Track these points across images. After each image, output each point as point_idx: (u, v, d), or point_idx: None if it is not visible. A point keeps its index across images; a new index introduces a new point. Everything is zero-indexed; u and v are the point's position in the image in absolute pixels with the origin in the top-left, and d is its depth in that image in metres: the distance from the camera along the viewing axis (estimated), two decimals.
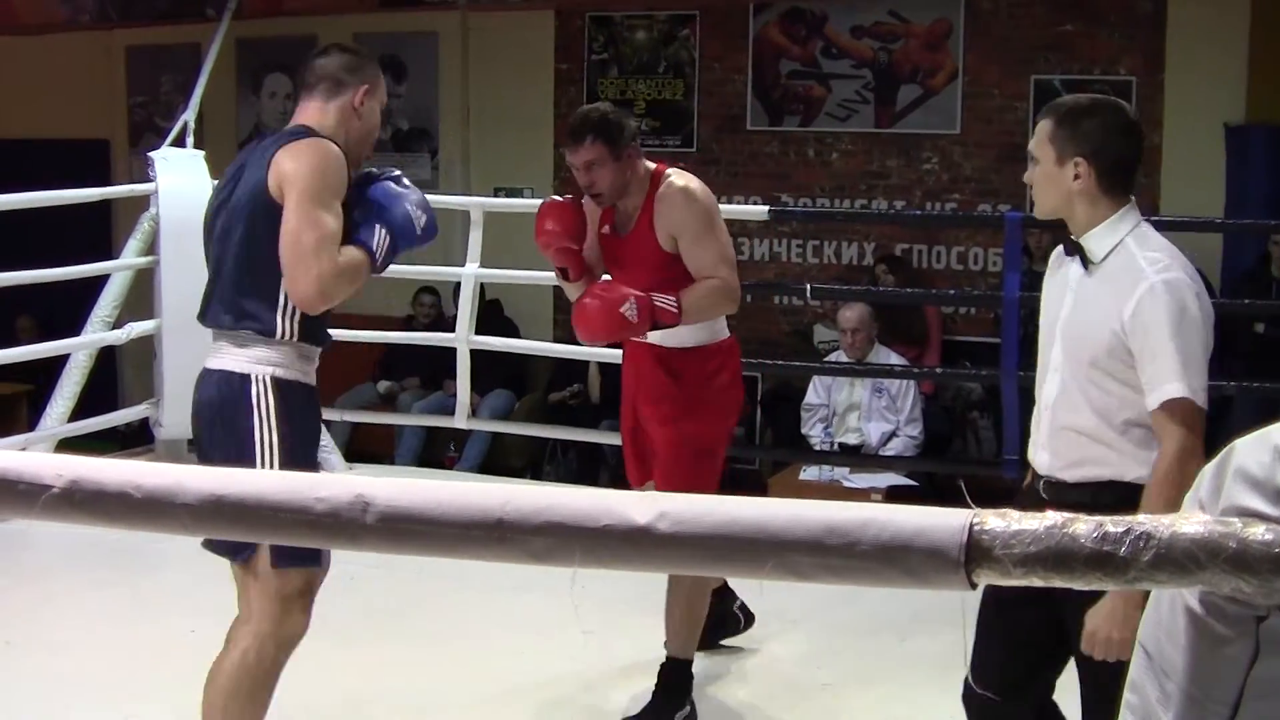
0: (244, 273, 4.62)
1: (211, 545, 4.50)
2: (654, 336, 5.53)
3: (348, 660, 5.96)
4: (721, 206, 11.64)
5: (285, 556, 4.41)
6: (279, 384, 4.55)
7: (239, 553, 4.52)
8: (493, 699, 5.78)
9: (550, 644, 6.18)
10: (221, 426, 4.62)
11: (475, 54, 13.15)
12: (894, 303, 11.15)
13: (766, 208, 9.54)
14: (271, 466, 4.45)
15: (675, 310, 5.34)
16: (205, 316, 4.75)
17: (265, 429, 4.51)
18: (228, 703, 4.54)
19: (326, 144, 4.52)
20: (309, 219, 4.38)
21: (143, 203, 9.26)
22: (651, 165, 5.54)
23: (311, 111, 4.71)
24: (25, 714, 5.44)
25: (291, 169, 4.41)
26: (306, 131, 4.58)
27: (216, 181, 4.97)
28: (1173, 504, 3.12)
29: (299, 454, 4.52)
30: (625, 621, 6.19)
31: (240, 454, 4.47)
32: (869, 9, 11.97)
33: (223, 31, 10.84)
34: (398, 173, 4.92)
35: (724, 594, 6.19)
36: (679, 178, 5.49)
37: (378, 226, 4.61)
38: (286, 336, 4.56)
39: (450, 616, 6.65)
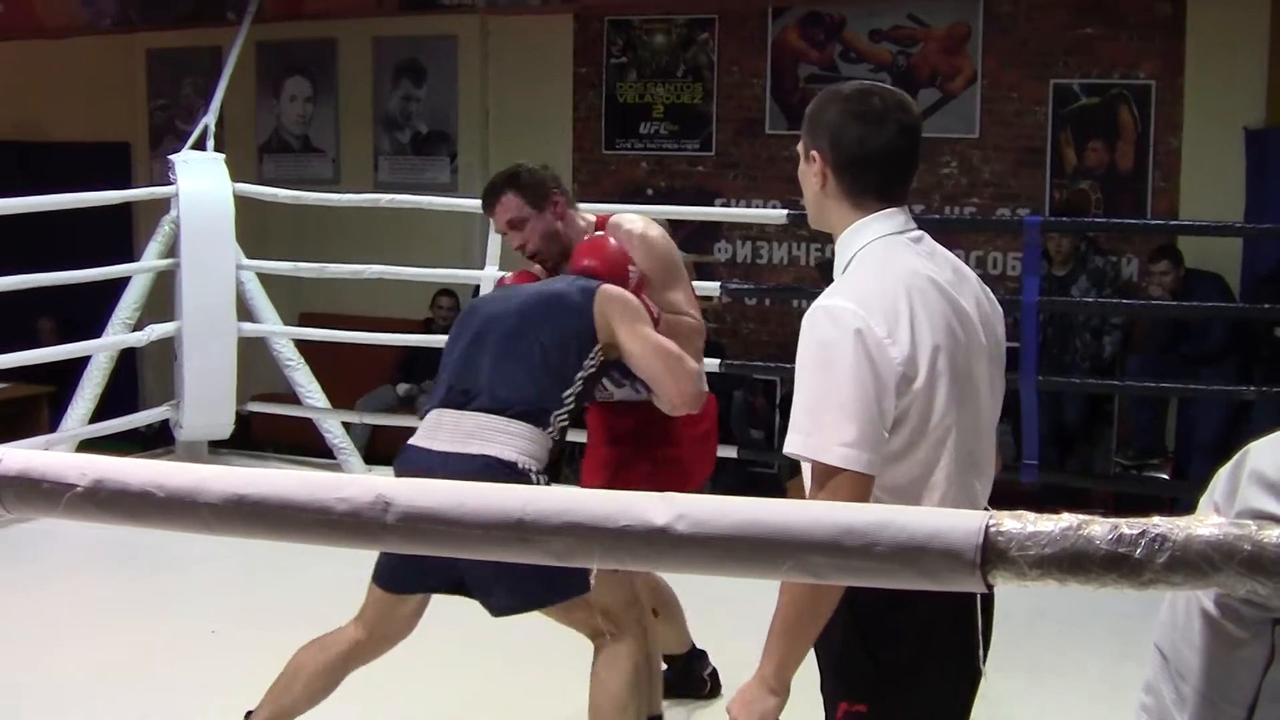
0: None
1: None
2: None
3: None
4: (740, 210, 11.66)
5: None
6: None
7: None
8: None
9: None
10: None
11: (494, 57, 13.16)
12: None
13: (785, 211, 9.53)
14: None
15: None
16: None
17: None
18: None
19: None
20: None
21: (163, 205, 9.29)
22: (592, 218, 5.21)
23: None
24: (46, 711, 5.46)
25: None
26: None
27: None
28: (800, 590, 2.95)
29: None
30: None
31: None
32: (887, 13, 11.95)
33: (243, 35, 10.88)
34: None
35: (697, 657, 5.77)
36: (632, 222, 5.13)
37: None
38: None
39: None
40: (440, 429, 4.51)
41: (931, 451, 3.06)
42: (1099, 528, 1.68)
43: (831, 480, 2.92)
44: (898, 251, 3.15)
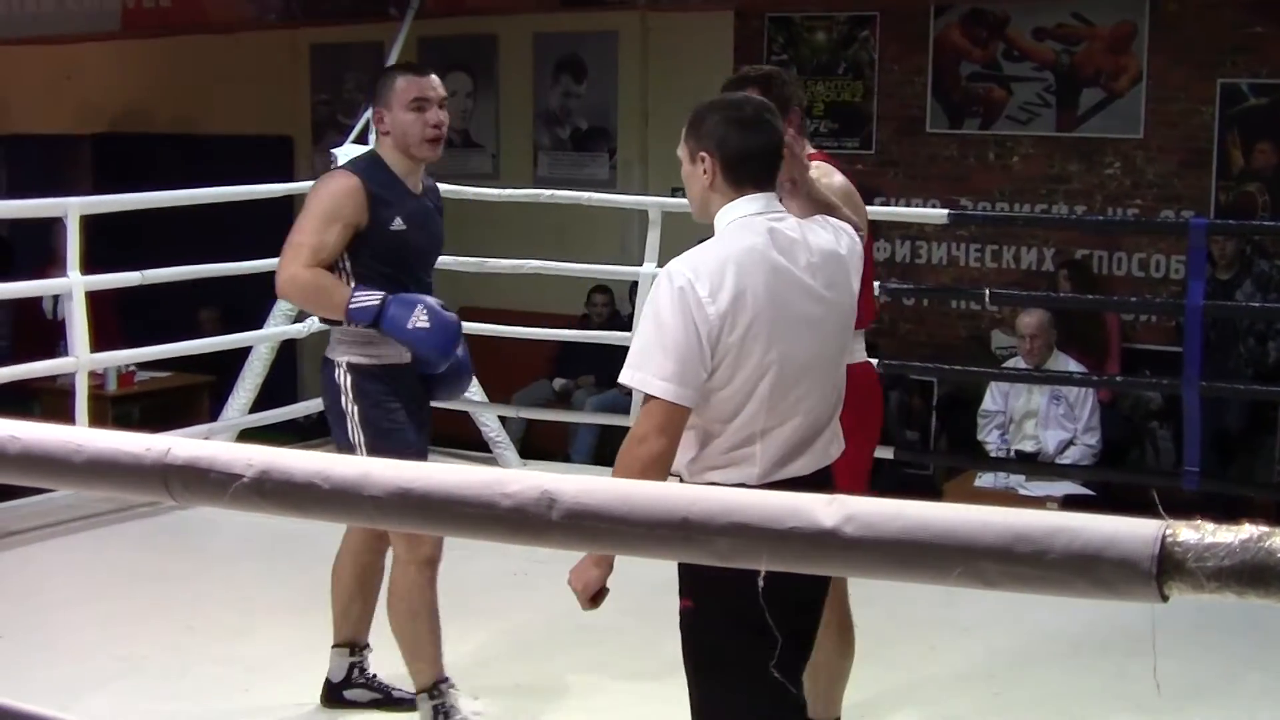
0: None
1: None
2: None
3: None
4: (899, 209, 11.59)
5: None
6: (354, 368, 5.26)
7: None
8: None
9: None
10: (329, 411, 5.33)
11: (654, 54, 13.17)
12: (1074, 308, 11.02)
13: (945, 211, 9.47)
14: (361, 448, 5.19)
15: None
16: None
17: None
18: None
19: (335, 175, 5.34)
20: (296, 226, 5.19)
21: None
22: (811, 151, 5.10)
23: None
24: (204, 698, 5.52)
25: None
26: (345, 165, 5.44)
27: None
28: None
29: (384, 433, 5.16)
30: None
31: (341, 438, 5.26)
32: (1051, 11, 11.83)
33: (405, 30, 10.95)
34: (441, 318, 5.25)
35: None
36: (829, 171, 5.18)
37: (385, 298, 5.11)
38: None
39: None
40: None
41: (747, 389, 3.76)
42: None
43: (650, 404, 3.72)
44: (747, 230, 3.84)
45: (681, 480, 3.84)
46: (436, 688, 5.28)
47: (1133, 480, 9.96)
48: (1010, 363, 10.65)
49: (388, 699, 5.69)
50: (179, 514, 7.58)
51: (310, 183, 9.11)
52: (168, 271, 8.36)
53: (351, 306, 5.08)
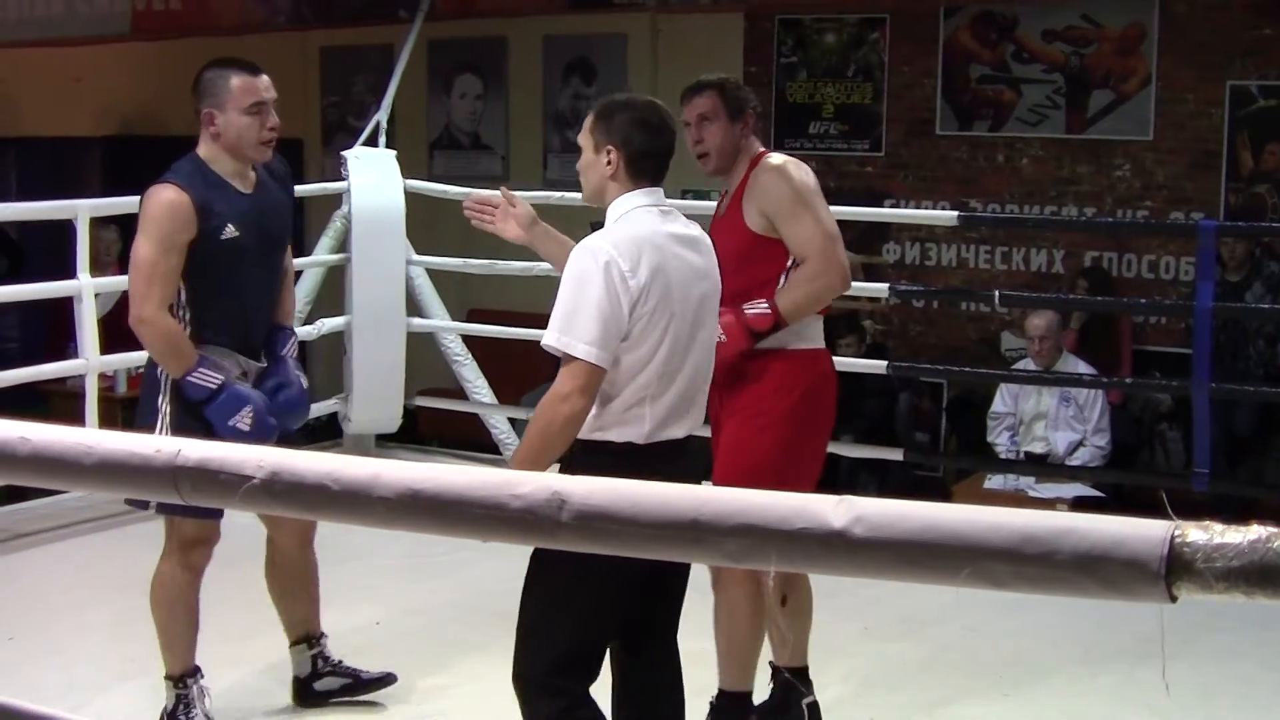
0: None
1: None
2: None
3: None
4: (909, 211, 11.58)
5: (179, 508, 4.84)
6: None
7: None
8: None
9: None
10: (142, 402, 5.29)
11: (664, 56, 13.16)
12: (1083, 310, 11.02)
13: (955, 213, 9.48)
14: None
15: (769, 314, 5.12)
16: None
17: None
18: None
19: (159, 191, 5.16)
20: (136, 249, 5.14)
21: (335, 201, 9.39)
22: (761, 149, 5.36)
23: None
24: (215, 699, 5.52)
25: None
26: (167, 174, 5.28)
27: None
28: (541, 440, 4.14)
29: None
30: None
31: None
32: (1061, 13, 11.82)
33: (415, 33, 10.96)
34: (293, 376, 5.49)
35: (793, 686, 5.51)
36: (776, 157, 5.29)
37: (222, 385, 5.16)
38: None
39: None
40: None
41: (647, 356, 4.21)
42: None
43: (572, 365, 4.10)
44: (648, 217, 4.33)
45: (577, 437, 4.23)
46: (183, 679, 5.38)
47: (1142, 482, 9.94)
48: (1020, 364, 10.64)
49: (358, 682, 5.76)
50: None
51: (315, 185, 9.15)
52: None
53: (189, 379, 5.09)
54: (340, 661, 5.77)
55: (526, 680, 4.28)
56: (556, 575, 4.19)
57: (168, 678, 5.40)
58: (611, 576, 4.10)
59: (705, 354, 4.43)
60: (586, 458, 4.22)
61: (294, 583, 5.70)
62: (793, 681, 5.47)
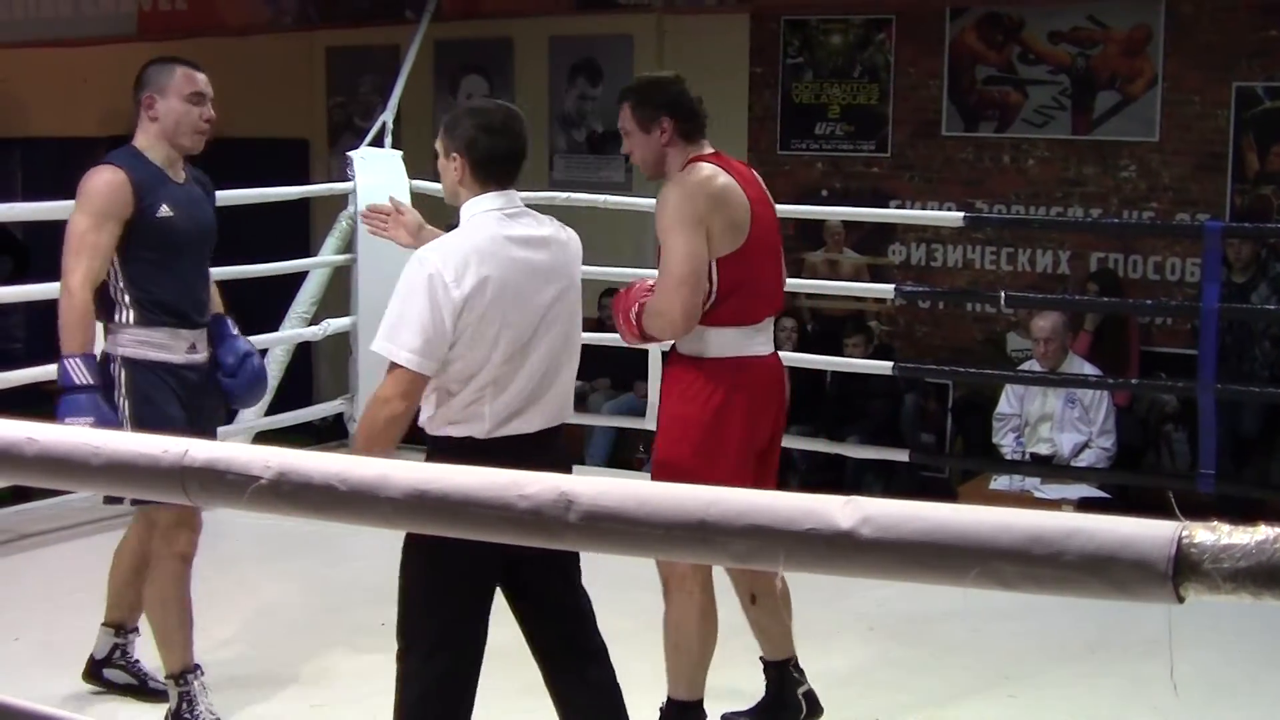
0: None
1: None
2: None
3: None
4: (915, 212, 11.54)
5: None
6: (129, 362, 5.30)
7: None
8: None
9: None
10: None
11: (670, 57, 13.15)
12: (1088, 311, 11.02)
13: (961, 214, 9.48)
14: None
15: (635, 328, 5.15)
16: None
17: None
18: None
19: (98, 171, 5.33)
20: (71, 226, 5.25)
21: (341, 202, 9.39)
22: (704, 154, 5.13)
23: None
24: (220, 699, 5.52)
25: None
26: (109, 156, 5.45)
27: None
28: (365, 438, 4.38)
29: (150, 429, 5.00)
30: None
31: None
32: (1067, 14, 11.82)
33: (421, 33, 10.97)
34: (243, 352, 5.67)
35: (785, 678, 5.55)
36: (690, 172, 5.05)
37: (87, 387, 5.14)
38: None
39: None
40: None
41: (482, 358, 4.33)
42: None
43: (396, 371, 4.28)
44: (490, 221, 4.44)
45: (424, 433, 4.51)
46: (183, 676, 5.38)
47: (1148, 483, 9.94)
48: (1025, 365, 10.64)
49: (142, 686, 5.78)
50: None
51: (321, 185, 9.14)
52: None
53: (68, 361, 5.12)
54: (136, 661, 5.83)
55: (402, 654, 4.45)
56: (423, 549, 4.35)
57: (169, 677, 5.41)
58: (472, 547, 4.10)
59: (557, 351, 4.52)
60: (436, 452, 4.45)
61: (133, 572, 5.72)
62: (783, 673, 5.50)
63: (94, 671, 5.81)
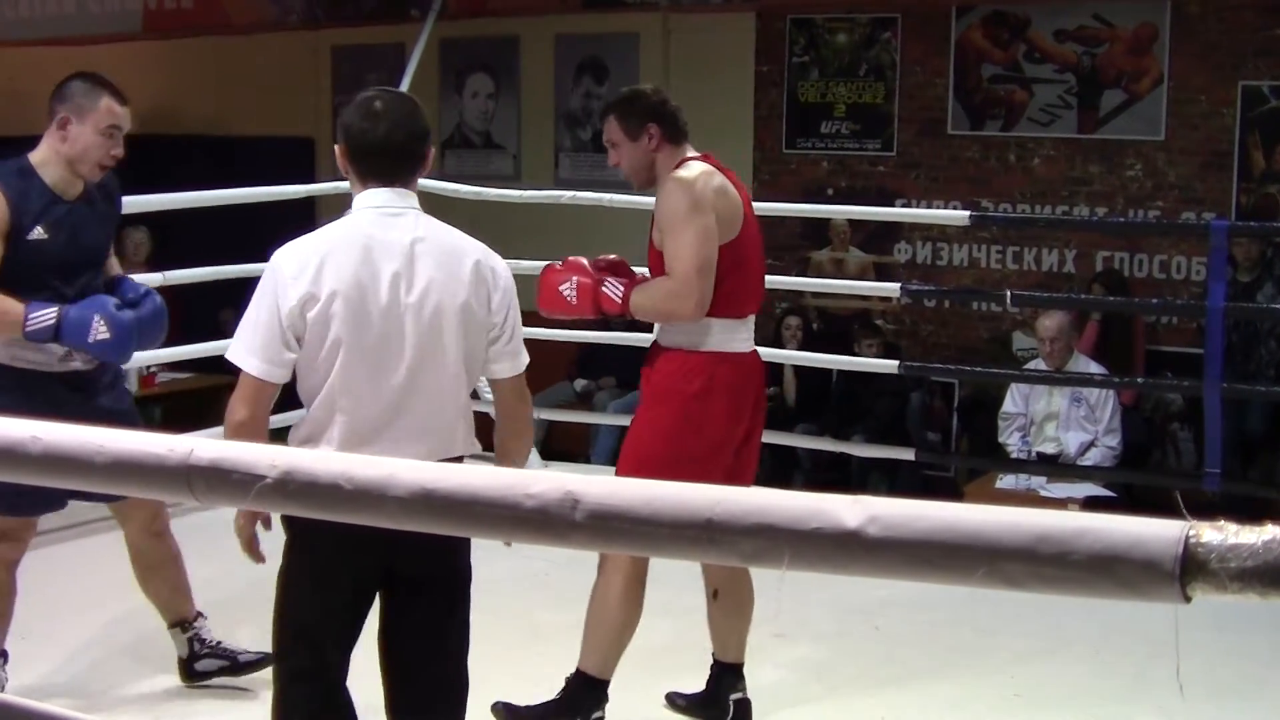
0: None
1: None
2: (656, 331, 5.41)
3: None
4: (920, 211, 11.54)
5: None
6: None
7: None
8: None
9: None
10: None
11: (676, 55, 13.15)
12: (1094, 310, 11.02)
13: (966, 213, 9.45)
14: None
15: (618, 300, 5.25)
16: None
17: None
18: None
19: None
20: None
21: (346, 200, 9.30)
22: (691, 156, 5.23)
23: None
24: (228, 699, 5.53)
25: None
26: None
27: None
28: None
29: None
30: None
31: None
32: (1073, 13, 11.81)
33: (427, 32, 10.98)
34: (142, 290, 5.51)
35: (724, 679, 5.54)
36: (687, 169, 5.14)
37: (61, 312, 5.12)
38: None
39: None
40: None
41: (325, 367, 4.03)
42: None
43: (242, 376, 4.05)
44: (360, 220, 4.15)
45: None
46: None
47: (1154, 482, 9.95)
48: (1031, 364, 10.64)
49: (235, 664, 5.82)
50: (201, 515, 7.58)
51: (327, 184, 9.14)
52: (189, 272, 8.39)
53: (29, 329, 5.07)
54: (219, 643, 5.83)
55: (274, 657, 4.33)
56: (288, 558, 4.20)
57: None
58: (332, 553, 4.06)
59: (425, 374, 4.12)
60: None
61: (149, 571, 5.77)
62: (722, 675, 5.53)
63: (189, 672, 5.82)
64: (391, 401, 4.08)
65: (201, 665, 5.80)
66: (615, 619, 5.22)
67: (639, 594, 5.23)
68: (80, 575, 7.28)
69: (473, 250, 4.24)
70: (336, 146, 4.24)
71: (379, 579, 4.19)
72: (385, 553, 4.04)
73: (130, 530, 5.72)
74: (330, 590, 4.16)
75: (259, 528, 4.28)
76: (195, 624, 5.83)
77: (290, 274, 3.99)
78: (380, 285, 4.04)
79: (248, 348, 4.02)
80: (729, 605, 5.46)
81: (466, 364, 4.21)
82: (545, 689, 5.43)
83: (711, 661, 5.55)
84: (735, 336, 5.21)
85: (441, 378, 4.14)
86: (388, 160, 4.18)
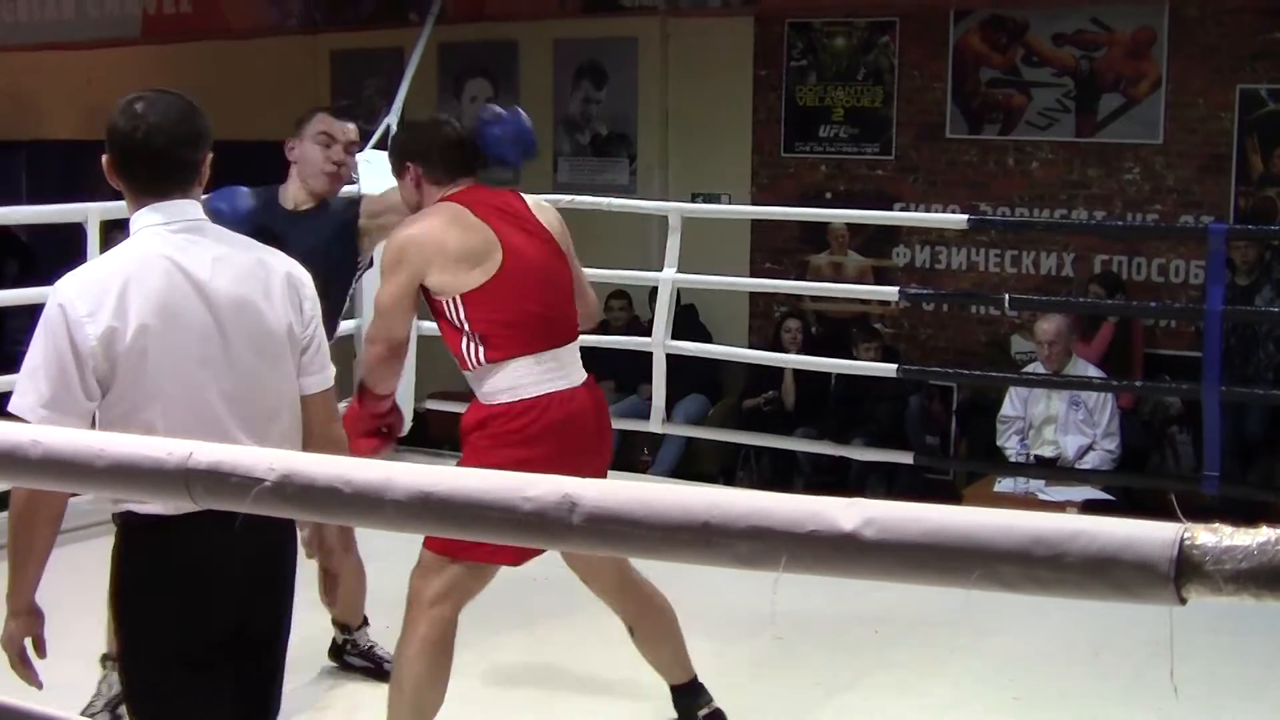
0: None
1: None
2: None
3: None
4: (919, 215, 11.54)
5: None
6: None
7: None
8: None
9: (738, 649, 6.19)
10: None
11: (675, 60, 13.17)
12: (1092, 314, 11.03)
13: (965, 217, 9.46)
14: None
15: (359, 390, 5.12)
16: None
17: None
18: None
19: None
20: None
21: None
22: (451, 193, 4.95)
23: None
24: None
25: None
26: None
27: None
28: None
29: None
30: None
31: None
32: (1071, 17, 11.82)
33: (426, 36, 10.98)
34: None
35: (682, 701, 5.42)
36: (421, 213, 4.95)
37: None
38: None
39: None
40: None
41: (147, 407, 3.49)
42: None
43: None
44: (144, 241, 3.57)
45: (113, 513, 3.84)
46: None
47: (1152, 485, 9.95)
48: (1030, 368, 10.65)
49: (378, 669, 5.91)
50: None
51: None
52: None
53: None
54: (371, 647, 6.12)
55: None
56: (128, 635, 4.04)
57: None
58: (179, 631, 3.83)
59: (260, 395, 3.72)
60: (121, 543, 3.88)
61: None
62: (680, 698, 5.41)
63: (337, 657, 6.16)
64: (222, 429, 3.57)
65: (349, 659, 6.12)
66: (421, 685, 4.83)
67: (441, 653, 4.84)
68: (80, 575, 7.27)
69: (279, 264, 3.78)
70: (104, 157, 3.69)
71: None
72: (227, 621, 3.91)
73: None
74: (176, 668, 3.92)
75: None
76: (356, 632, 6.09)
77: (84, 313, 3.42)
78: (191, 309, 3.55)
79: (40, 400, 3.42)
80: (649, 635, 5.29)
81: (291, 380, 3.82)
82: (546, 694, 5.44)
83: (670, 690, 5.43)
84: (540, 372, 4.95)
85: (268, 397, 3.74)
86: (158, 173, 3.65)
